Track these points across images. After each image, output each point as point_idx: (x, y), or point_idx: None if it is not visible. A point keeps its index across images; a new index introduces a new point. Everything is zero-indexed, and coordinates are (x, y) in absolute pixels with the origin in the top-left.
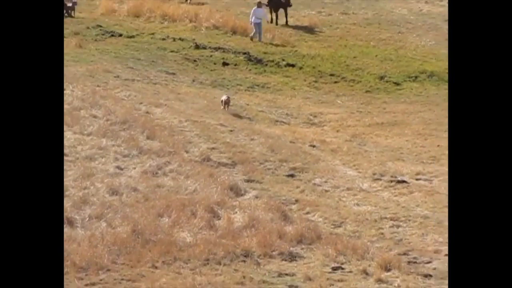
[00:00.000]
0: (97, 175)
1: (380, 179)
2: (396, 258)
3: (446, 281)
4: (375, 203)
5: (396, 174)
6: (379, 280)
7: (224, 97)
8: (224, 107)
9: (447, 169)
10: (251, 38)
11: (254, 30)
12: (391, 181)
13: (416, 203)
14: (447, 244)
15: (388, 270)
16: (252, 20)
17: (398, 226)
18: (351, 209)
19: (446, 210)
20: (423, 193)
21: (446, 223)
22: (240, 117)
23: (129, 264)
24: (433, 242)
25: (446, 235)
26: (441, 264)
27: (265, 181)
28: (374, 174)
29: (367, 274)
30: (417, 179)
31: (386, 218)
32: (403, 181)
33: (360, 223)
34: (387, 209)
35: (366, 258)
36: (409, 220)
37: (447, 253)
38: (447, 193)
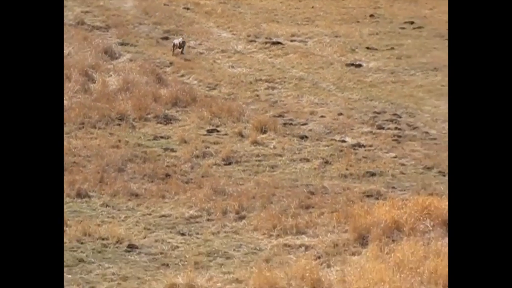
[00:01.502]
0: None
1: (255, 41)
2: (272, 120)
3: (321, 142)
4: (250, 65)
5: (270, 35)
6: (255, 142)
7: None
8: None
9: (321, 30)
10: None
11: None
12: (266, 43)
13: (291, 65)
14: (323, 105)
15: (264, 132)
16: None
17: (273, 88)
18: (226, 71)
19: (321, 71)
20: (298, 55)
21: (322, 84)
22: None
23: None
24: (309, 103)
25: (322, 97)
26: (317, 125)
27: (139, 44)
28: (249, 36)
29: (242, 136)
30: (291, 41)
31: (261, 80)
32: (278, 43)
33: (235, 85)
34: (262, 71)
35: (242, 120)
36: (285, 82)
37: (323, 114)
38: (322, 54)
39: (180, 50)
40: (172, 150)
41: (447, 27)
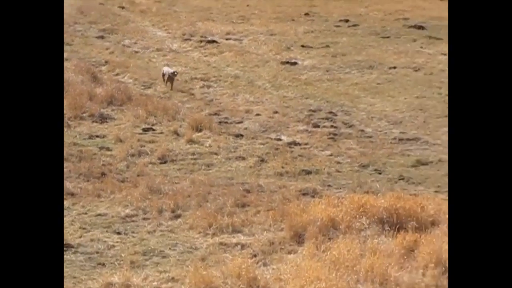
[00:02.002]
0: None
1: (190, 39)
2: (207, 118)
3: (257, 140)
4: (185, 63)
5: (206, 34)
6: (190, 141)
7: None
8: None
9: (257, 28)
10: None
11: None
12: (201, 41)
13: (227, 63)
14: (258, 103)
15: (199, 131)
16: None
17: (209, 87)
18: (161, 70)
19: (257, 69)
20: (234, 53)
21: (257, 82)
22: None
23: None
24: (244, 101)
25: (257, 95)
26: (252, 123)
27: (74, 43)
28: (184, 34)
29: (178, 134)
30: (227, 39)
31: (196, 78)
32: (213, 41)
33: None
34: (198, 69)
35: (177, 119)
36: (220, 80)
37: (258, 112)
38: (257, 52)
39: (170, 83)
40: (108, 149)
41: (382, 25)
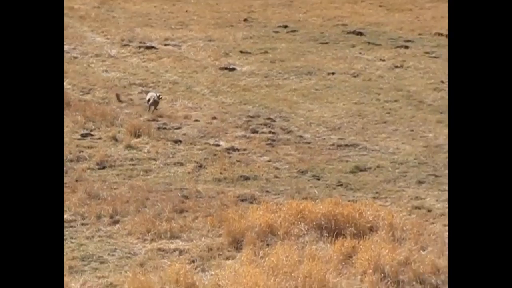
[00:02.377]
0: None
1: (129, 45)
2: (146, 124)
3: (195, 146)
4: (124, 69)
5: (144, 39)
6: (129, 146)
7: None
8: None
9: (195, 34)
10: None
11: None
12: (140, 47)
13: (165, 69)
14: (197, 109)
15: (138, 136)
16: None
17: (147, 92)
18: (100, 76)
19: (195, 75)
20: (172, 59)
21: (196, 88)
22: None
23: None
24: (183, 107)
25: (196, 101)
26: (190, 129)
27: None
28: (123, 40)
29: (116, 140)
30: (165, 45)
31: (135, 84)
32: (152, 47)
33: (109, 90)
34: (136, 75)
35: (116, 125)
36: (158, 86)
37: (197, 118)
38: (195, 58)
39: (153, 107)
40: None
41: (321, 31)
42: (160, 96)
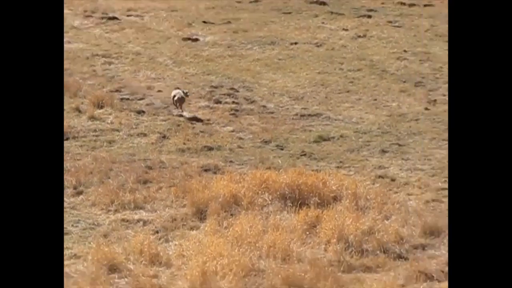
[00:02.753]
0: None
1: (92, 16)
2: (109, 95)
3: (159, 117)
4: (86, 40)
5: (107, 10)
6: (92, 118)
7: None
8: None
9: (158, 5)
10: None
11: None
12: (102, 18)
13: (128, 40)
14: (160, 80)
15: (101, 107)
16: None
17: (110, 63)
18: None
19: (158, 46)
20: (135, 29)
21: (159, 59)
22: None
23: None
24: (145, 78)
25: (159, 71)
26: (154, 100)
27: None
28: (86, 11)
29: (80, 111)
30: (128, 16)
31: (98, 55)
32: (114, 18)
33: (72, 61)
34: (99, 46)
35: (79, 96)
36: (121, 57)
37: (160, 89)
38: (158, 28)
39: (179, 104)
40: None
41: (284, 1)
42: (187, 93)
